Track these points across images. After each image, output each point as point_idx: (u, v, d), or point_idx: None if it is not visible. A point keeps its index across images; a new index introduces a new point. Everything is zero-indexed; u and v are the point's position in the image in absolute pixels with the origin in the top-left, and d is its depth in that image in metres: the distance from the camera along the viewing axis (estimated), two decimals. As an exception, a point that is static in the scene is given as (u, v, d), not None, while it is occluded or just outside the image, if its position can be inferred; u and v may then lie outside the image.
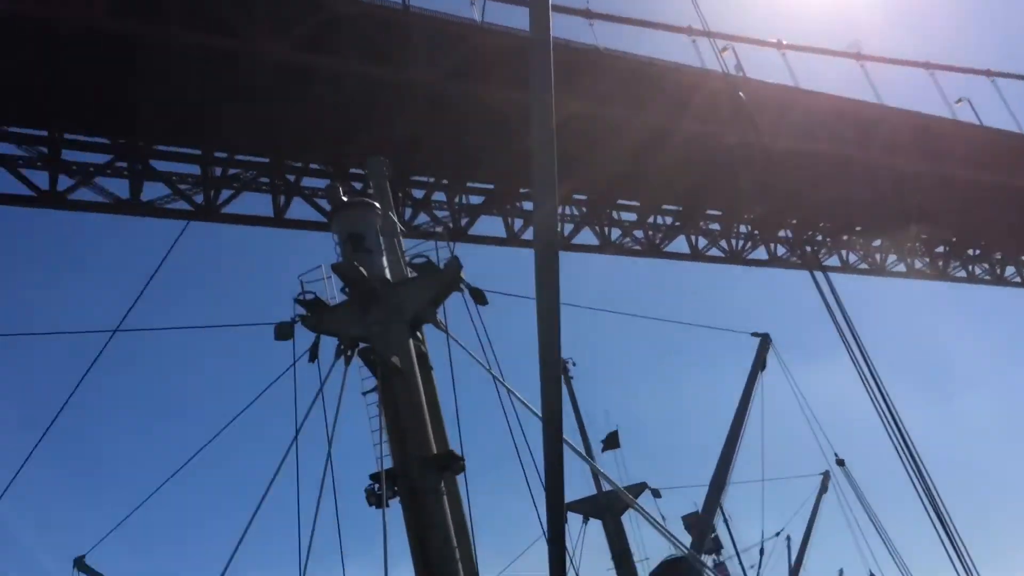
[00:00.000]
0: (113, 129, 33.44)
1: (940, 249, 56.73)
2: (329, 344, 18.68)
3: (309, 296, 19.17)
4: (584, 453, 31.56)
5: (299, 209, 36.60)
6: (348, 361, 18.24)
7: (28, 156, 32.62)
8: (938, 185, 48.31)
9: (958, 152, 48.30)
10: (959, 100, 50.00)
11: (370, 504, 16.34)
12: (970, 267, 57.99)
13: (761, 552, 43.14)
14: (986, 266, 58.58)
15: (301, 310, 19.11)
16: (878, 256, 53.93)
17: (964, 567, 20.52)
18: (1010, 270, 59.39)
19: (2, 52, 28.04)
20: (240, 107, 32.59)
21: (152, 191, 33.99)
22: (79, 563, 26.23)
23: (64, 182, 32.95)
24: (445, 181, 39.85)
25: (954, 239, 56.17)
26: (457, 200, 40.32)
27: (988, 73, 53.55)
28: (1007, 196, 51.14)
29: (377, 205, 20.97)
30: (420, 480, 16.38)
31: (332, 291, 19.43)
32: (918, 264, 55.75)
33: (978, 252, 57.99)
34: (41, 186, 32.54)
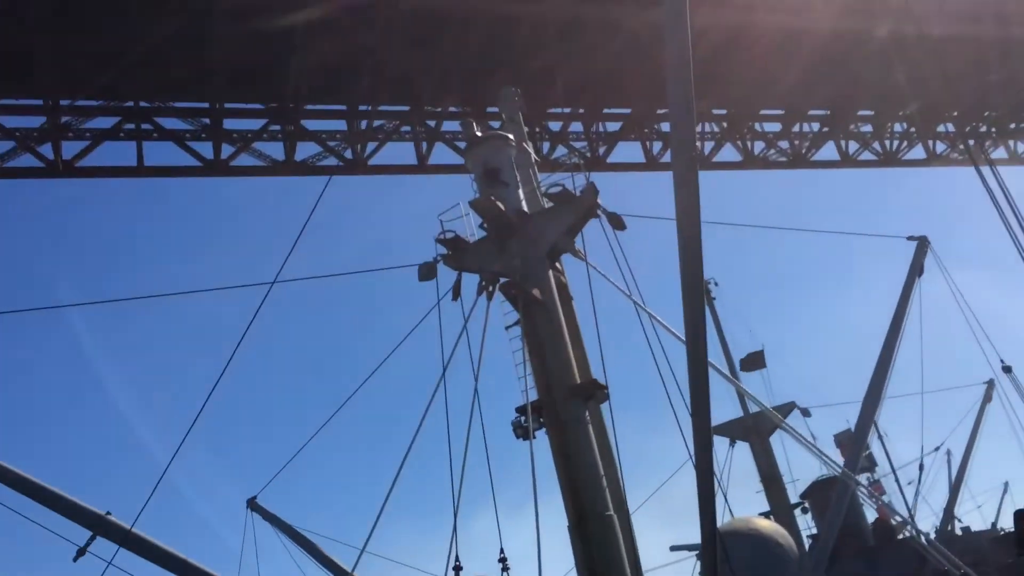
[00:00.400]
0: (265, 95, 33.86)
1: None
2: (471, 281, 18.04)
3: (449, 235, 18.57)
4: (729, 375, 29.95)
5: (442, 154, 36.25)
6: (490, 296, 17.57)
7: (193, 129, 33.45)
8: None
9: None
10: None
11: (517, 436, 15.84)
12: None
13: (921, 468, 40.51)
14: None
15: (443, 249, 18.53)
16: None
17: None
18: None
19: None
20: (377, 60, 32.25)
21: (304, 150, 34.36)
22: (252, 503, 27.14)
23: (226, 150, 33.73)
24: (582, 111, 38.36)
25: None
26: (594, 128, 38.76)
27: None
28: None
29: (511, 137, 20.00)
30: (565, 410, 15.69)
31: (471, 228, 18.79)
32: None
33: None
34: (206, 155, 33.40)
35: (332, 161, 33.97)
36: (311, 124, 34.77)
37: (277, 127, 34.16)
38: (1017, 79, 42.54)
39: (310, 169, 34.13)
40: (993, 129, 46.87)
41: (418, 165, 35.63)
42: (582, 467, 15.24)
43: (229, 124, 34.04)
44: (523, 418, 15.73)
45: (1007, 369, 33.38)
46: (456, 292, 18.04)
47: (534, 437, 15.47)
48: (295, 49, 31.11)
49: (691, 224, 9.27)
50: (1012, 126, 47.28)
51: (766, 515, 30.95)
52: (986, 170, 21.78)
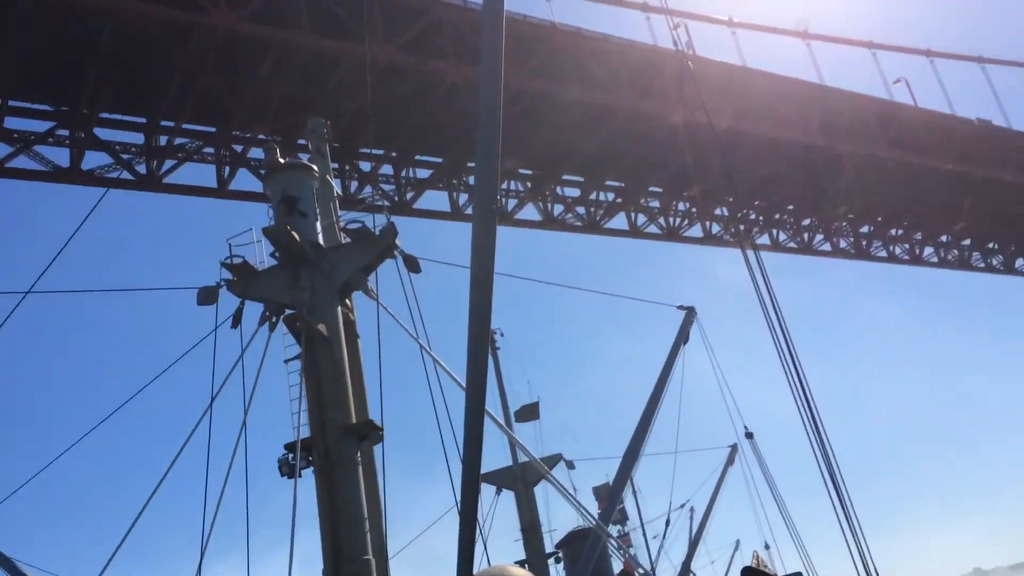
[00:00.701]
0: (57, 97, 30.96)
1: (865, 229, 55.89)
2: (254, 309, 16.72)
3: (237, 260, 17.16)
4: (504, 424, 29.91)
5: (247, 181, 34.44)
6: (273, 328, 16.35)
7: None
8: (869, 166, 47.25)
9: (890, 134, 47.30)
10: (897, 80, 48.72)
11: (283, 474, 14.65)
12: (891, 247, 57.33)
13: (667, 523, 42.23)
14: (906, 246, 58.02)
15: (228, 274, 17.10)
16: (806, 235, 52.95)
17: (856, 541, 19.38)
18: (928, 250, 59.01)
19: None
20: (189, 78, 30.36)
21: (94, 160, 31.57)
22: None
23: (3, 149, 30.46)
24: (394, 154, 37.82)
25: (880, 219, 55.34)
26: (404, 173, 38.28)
27: (928, 53, 52.36)
28: (934, 178, 50.32)
29: (315, 168, 18.94)
30: (336, 450, 14.70)
31: (262, 255, 17.44)
32: (843, 243, 54.89)
33: (900, 232, 57.33)
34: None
35: (125, 175, 31.38)
36: (105, 134, 32.10)
37: (65, 132, 31.25)
38: (785, 176, 46.25)
39: (95, 180, 31.31)
40: (761, 217, 50.58)
41: (218, 188, 33.59)
42: (346, 508, 14.30)
43: (11, 123, 30.89)
44: (291, 455, 14.59)
45: (749, 435, 35.34)
46: (236, 320, 16.65)
47: (299, 475, 14.37)
48: (99, 55, 28.75)
49: (483, 273, 9.29)
50: (776, 216, 51.24)
51: (522, 563, 30.82)
52: (750, 253, 22.90)
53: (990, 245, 62.37)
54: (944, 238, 59.28)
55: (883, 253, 57.02)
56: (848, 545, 18.07)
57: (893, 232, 56.93)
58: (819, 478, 18.15)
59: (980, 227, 59.27)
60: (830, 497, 19.12)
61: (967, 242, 60.92)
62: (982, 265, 62.47)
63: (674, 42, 27.00)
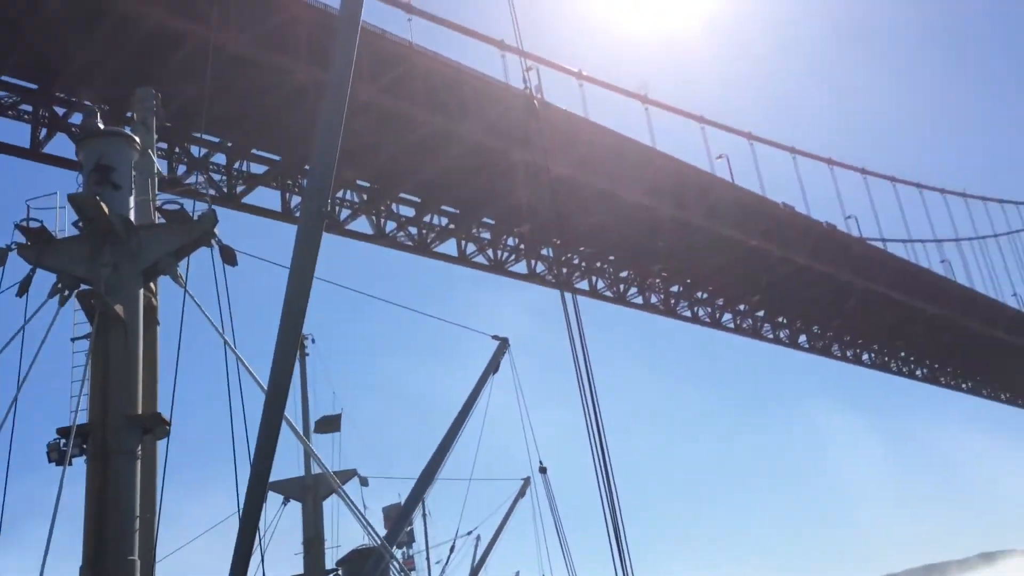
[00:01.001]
0: None
1: (675, 288, 58.71)
2: (46, 280, 15.18)
3: (35, 224, 15.55)
4: (301, 433, 28.91)
5: (64, 147, 31.71)
6: (63, 301, 14.87)
7: None
8: (686, 232, 49.74)
9: (707, 204, 49.88)
10: (719, 156, 51.72)
11: (50, 460, 13.22)
12: (695, 309, 60.56)
13: (451, 550, 42.22)
14: (709, 309, 61.47)
15: (21, 238, 15.47)
16: (622, 287, 55.00)
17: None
18: (727, 316, 62.79)
19: None
20: (14, 29, 27.76)
21: None
22: None
23: None
24: (229, 144, 36.12)
25: (688, 281, 58.32)
26: (238, 165, 36.62)
27: (749, 136, 56.06)
28: (739, 251, 53.53)
29: (137, 140, 17.54)
30: (116, 440, 13.42)
31: (64, 223, 15.87)
32: (654, 299, 57.42)
33: (705, 296, 60.68)
34: None
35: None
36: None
37: None
38: (611, 228, 47.89)
39: None
40: (583, 263, 52.14)
41: (30, 149, 30.77)
42: (116, 503, 12.99)
43: None
44: (63, 440, 13.22)
45: (543, 470, 35.88)
46: (23, 288, 15.05)
47: (70, 463, 13.02)
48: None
49: (303, 274, 8.95)
50: (598, 264, 53.00)
51: (296, 578, 29.65)
52: (568, 296, 23.30)
53: (780, 319, 67.22)
54: (742, 307, 63.35)
55: (688, 313, 60.20)
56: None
57: (699, 295, 60.25)
58: (602, 519, 18.57)
59: (773, 301, 63.80)
60: (608, 536, 19.60)
61: (761, 313, 65.36)
62: (771, 336, 67.18)
63: (525, 82, 27.43)
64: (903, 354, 77.80)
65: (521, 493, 39.50)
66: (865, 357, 74.61)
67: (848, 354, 73.00)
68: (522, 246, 47.26)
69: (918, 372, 79.66)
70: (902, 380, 78.99)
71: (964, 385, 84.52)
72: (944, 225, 79.06)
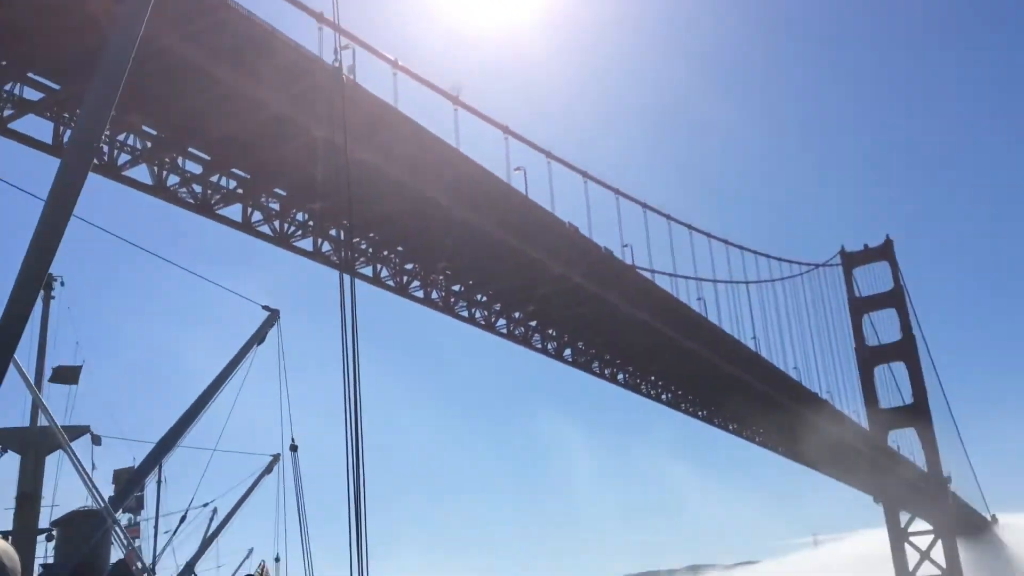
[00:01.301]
0: None
1: (456, 288, 60.04)
2: None
3: None
4: (33, 381, 26.97)
5: None
6: None
7: None
8: (475, 235, 51.03)
9: (499, 211, 51.40)
10: (517, 168, 53.35)
11: None
12: (473, 311, 62.24)
13: (182, 520, 40.99)
14: (485, 312, 63.35)
15: None
16: (405, 279, 55.50)
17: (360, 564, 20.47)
18: (501, 322, 65.03)
19: None
20: None
21: None
22: None
23: None
24: (4, 62, 32.85)
25: (470, 282, 59.83)
26: (10, 87, 33.39)
27: (548, 154, 58.34)
28: (522, 260, 55.65)
29: None
30: None
31: None
32: (435, 295, 58.41)
33: (484, 299, 62.51)
34: None
35: None
36: None
37: None
38: (403, 219, 48.21)
39: None
40: (371, 249, 52.10)
41: None
42: None
43: None
44: None
45: (294, 448, 35.66)
46: None
47: None
48: None
49: (59, 207, 8.41)
50: (385, 253, 53.15)
51: (5, 535, 27.55)
52: (346, 278, 23.43)
53: (550, 332, 70.52)
54: (517, 314, 65.85)
55: (465, 313, 61.73)
56: (351, 567, 18.93)
57: (479, 297, 61.97)
58: (347, 509, 18.86)
59: (546, 314, 66.88)
60: (348, 522, 19.89)
61: (534, 323, 68.26)
62: (539, 346, 70.32)
63: (336, 57, 27.13)
64: (653, 378, 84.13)
65: (268, 470, 38.90)
66: (620, 376, 79.91)
67: (606, 372, 77.92)
68: (311, 223, 46.48)
69: (663, 396, 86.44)
70: (628, 398, 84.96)
71: (699, 413, 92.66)
72: (705, 266, 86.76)
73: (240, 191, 43.17)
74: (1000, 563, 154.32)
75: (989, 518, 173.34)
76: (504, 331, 65.65)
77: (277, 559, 37.51)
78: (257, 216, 44.74)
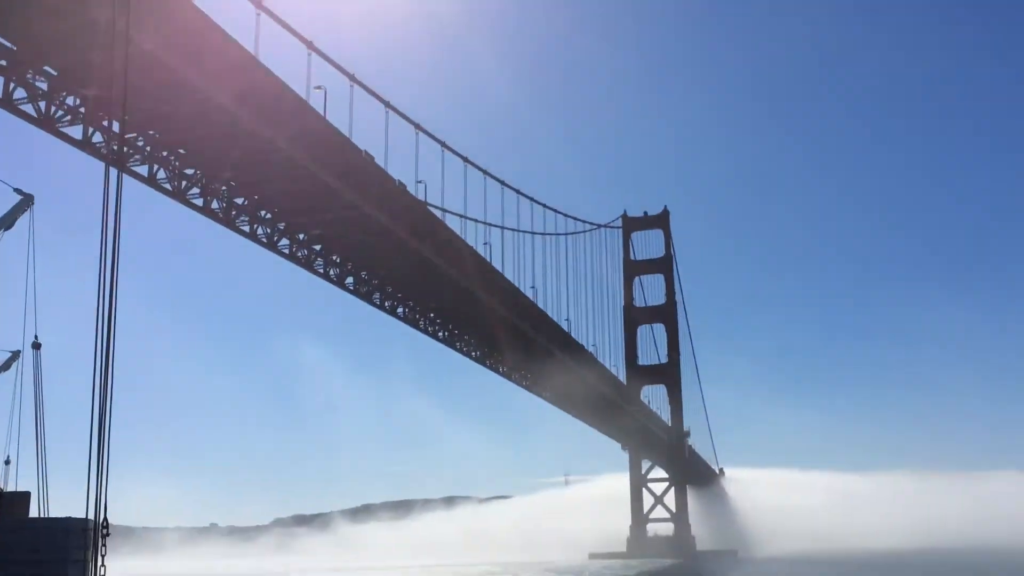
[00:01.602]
0: None
1: (239, 201, 57.82)
2: None
3: None
4: None
5: None
6: None
7: None
8: (266, 149, 49.27)
9: (293, 129, 49.76)
10: (318, 87, 51.63)
11: None
12: (255, 227, 60.25)
13: None
14: (268, 230, 61.58)
15: None
16: (184, 183, 52.68)
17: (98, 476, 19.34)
18: (284, 242, 63.52)
19: None
20: None
21: None
22: None
23: None
24: None
25: (256, 198, 57.84)
26: None
27: (352, 78, 56.90)
28: (312, 183, 54.48)
29: None
30: None
31: None
32: (215, 205, 55.94)
33: (268, 216, 60.68)
34: None
35: None
36: None
37: None
38: (188, 121, 45.64)
39: None
40: (148, 147, 48.97)
41: None
42: None
43: None
44: None
45: (36, 345, 33.67)
46: None
47: None
48: None
49: None
50: (164, 153, 50.12)
51: None
52: (113, 173, 22.27)
53: (335, 258, 69.76)
54: (302, 236, 64.54)
55: (247, 228, 59.64)
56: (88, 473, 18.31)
57: (262, 213, 60.05)
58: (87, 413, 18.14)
59: (333, 240, 66.04)
60: (91, 426, 19.03)
61: (319, 247, 67.18)
62: (322, 271, 69.43)
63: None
64: (432, 315, 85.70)
65: (5, 366, 36.46)
66: (400, 310, 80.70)
67: (387, 304, 78.37)
68: (83, 110, 42.92)
69: (440, 334, 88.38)
70: (398, 329, 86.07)
71: (474, 354, 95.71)
72: (495, 213, 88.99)
73: (4, 63, 39.08)
74: (723, 509, 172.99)
75: (718, 471, 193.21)
76: (287, 251, 64.20)
77: (8, 461, 35.32)
78: (21, 93, 40.74)
